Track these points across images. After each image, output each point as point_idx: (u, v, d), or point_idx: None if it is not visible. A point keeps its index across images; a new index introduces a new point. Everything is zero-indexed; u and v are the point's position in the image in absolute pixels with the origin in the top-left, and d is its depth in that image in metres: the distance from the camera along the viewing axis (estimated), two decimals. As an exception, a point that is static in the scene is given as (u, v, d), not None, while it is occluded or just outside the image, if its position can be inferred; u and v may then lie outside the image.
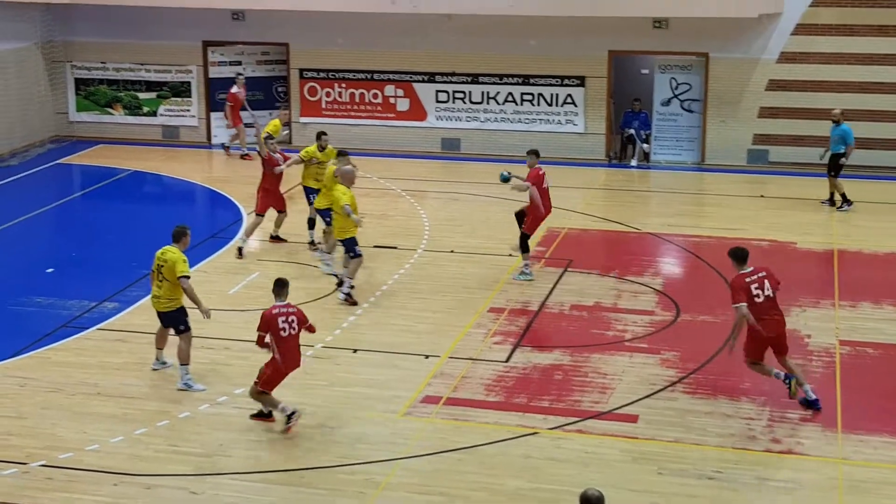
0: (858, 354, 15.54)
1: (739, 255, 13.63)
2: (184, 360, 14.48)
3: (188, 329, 14.55)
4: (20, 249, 20.61)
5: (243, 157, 27.13)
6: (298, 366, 13.52)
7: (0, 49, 26.91)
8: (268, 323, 13.11)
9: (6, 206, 22.95)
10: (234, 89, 27.16)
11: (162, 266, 14.28)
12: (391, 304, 17.44)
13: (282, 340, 13.12)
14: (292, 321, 13.19)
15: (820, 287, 18.22)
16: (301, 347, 13.48)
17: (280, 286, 13.37)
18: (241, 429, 13.30)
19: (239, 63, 28.62)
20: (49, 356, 15.44)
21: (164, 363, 14.99)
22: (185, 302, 14.51)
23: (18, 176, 25.66)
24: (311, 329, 13.59)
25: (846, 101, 24.97)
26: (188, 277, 14.24)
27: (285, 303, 13.29)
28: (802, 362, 14.84)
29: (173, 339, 14.73)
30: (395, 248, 20.08)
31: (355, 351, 15.63)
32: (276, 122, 22.82)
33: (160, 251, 14.37)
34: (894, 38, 25.12)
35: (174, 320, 14.53)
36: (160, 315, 14.60)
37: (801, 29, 25.46)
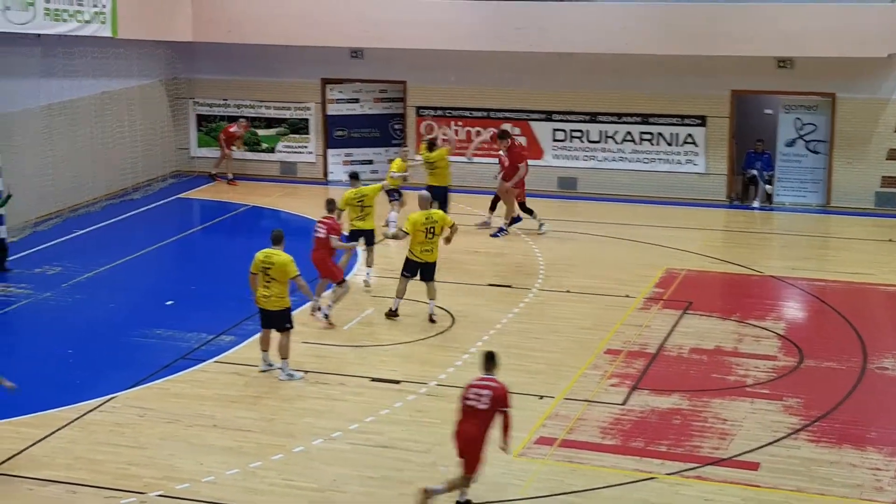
0: None
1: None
2: (285, 354, 15.60)
3: (292, 326, 15.70)
4: (141, 282, 20.93)
5: (230, 182, 28.40)
6: (465, 448, 11.84)
7: (127, 86, 27.51)
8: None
9: (128, 239, 23.38)
10: (233, 128, 27.94)
11: (269, 268, 15.33)
12: (505, 343, 17.20)
13: (464, 411, 11.86)
14: (485, 395, 11.72)
15: (951, 334, 17.61)
16: (484, 440, 11.81)
17: (486, 360, 12.04)
18: (355, 465, 13.21)
19: (356, 101, 28.87)
20: (168, 387, 15.58)
21: (271, 365, 15.81)
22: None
23: (140, 210, 26.15)
24: (504, 415, 11.83)
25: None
26: (300, 275, 15.45)
27: (491, 376, 11.95)
28: None
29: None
30: (509, 286, 19.92)
31: (469, 389, 15.46)
32: (399, 160, 23.18)
33: (263, 255, 15.45)
34: None
35: (282, 318, 15.54)
36: (269, 314, 15.52)
37: (933, 69, 24.85)
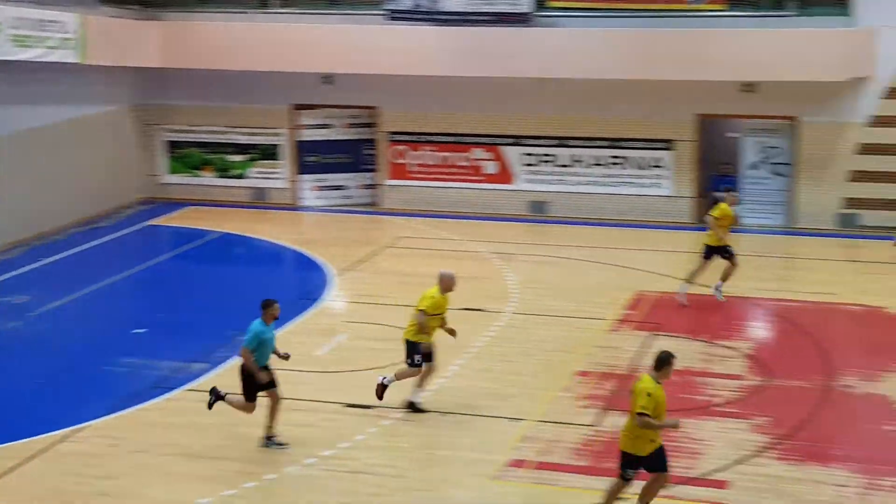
0: (956, 423, 15.14)
1: None
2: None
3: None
4: (110, 310, 20.88)
5: None
6: None
7: (95, 112, 27.50)
8: None
9: (97, 267, 23.33)
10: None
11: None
12: (478, 367, 17.35)
13: None
14: None
15: (914, 353, 17.85)
16: None
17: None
18: (328, 491, 13.24)
19: (328, 126, 28.99)
20: (139, 416, 15.55)
21: None
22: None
23: (109, 237, 26.11)
24: None
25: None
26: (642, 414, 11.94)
27: None
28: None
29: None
30: (481, 310, 20.03)
31: (444, 413, 15.54)
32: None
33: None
34: None
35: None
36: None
37: (894, 93, 25.19)
